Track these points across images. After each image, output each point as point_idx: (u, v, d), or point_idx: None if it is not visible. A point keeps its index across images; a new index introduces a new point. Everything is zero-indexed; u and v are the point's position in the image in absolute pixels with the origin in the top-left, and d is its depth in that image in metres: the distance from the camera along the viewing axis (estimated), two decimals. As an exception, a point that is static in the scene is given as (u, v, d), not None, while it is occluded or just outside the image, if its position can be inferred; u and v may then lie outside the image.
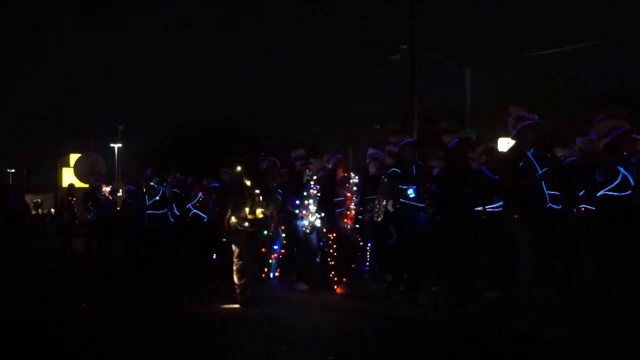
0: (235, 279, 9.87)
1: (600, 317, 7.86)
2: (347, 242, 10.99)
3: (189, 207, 13.94)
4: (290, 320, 9.24)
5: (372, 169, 11.19)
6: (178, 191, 14.62)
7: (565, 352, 7.12)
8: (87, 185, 19.92)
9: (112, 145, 51.71)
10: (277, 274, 12.08)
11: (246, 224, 9.81)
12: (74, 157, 45.86)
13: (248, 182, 9.94)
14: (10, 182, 54.11)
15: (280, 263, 11.99)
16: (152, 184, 14.75)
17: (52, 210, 44.66)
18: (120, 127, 49.78)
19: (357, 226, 11.09)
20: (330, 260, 10.78)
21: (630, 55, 59.31)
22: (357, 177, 11.15)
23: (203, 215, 13.67)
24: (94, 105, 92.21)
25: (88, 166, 21.29)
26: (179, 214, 14.37)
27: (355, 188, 11.09)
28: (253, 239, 9.99)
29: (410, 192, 9.66)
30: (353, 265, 11.24)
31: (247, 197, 9.85)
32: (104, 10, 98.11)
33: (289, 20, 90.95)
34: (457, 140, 9.34)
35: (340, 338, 8.08)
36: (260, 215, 9.97)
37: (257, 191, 9.95)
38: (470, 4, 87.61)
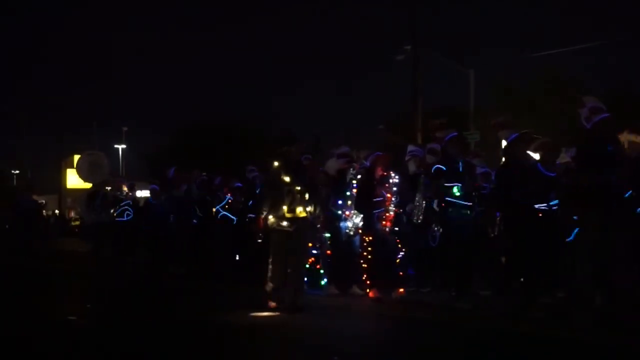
0: (268, 284, 9.09)
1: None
2: (385, 245, 10.22)
3: (218, 209, 13.29)
4: (329, 328, 8.32)
5: (411, 167, 10.56)
6: (202, 192, 13.95)
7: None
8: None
9: (116, 146, 50.94)
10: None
11: (284, 223, 8.90)
12: (78, 158, 45.52)
13: (287, 178, 8.98)
14: (15, 183, 53.69)
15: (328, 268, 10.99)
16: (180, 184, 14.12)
17: (57, 211, 44.12)
18: (125, 129, 49.08)
19: (397, 229, 10.28)
20: (364, 263, 10.11)
21: (632, 55, 58.91)
22: (397, 176, 10.31)
23: (233, 217, 13.11)
24: (96, 106, 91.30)
25: (90, 165, 20.29)
26: (202, 215, 13.72)
27: (395, 188, 10.25)
28: (293, 240, 8.99)
29: (457, 190, 9.04)
30: (392, 270, 10.32)
31: (285, 194, 8.92)
32: (106, 10, 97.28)
33: (290, 20, 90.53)
34: (516, 135, 8.75)
35: (389, 346, 7.44)
36: (302, 214, 9.00)
37: (298, 188, 8.98)
38: (473, 4, 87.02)
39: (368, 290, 10.08)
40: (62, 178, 44.49)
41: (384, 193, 10.15)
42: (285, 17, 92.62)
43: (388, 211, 10.13)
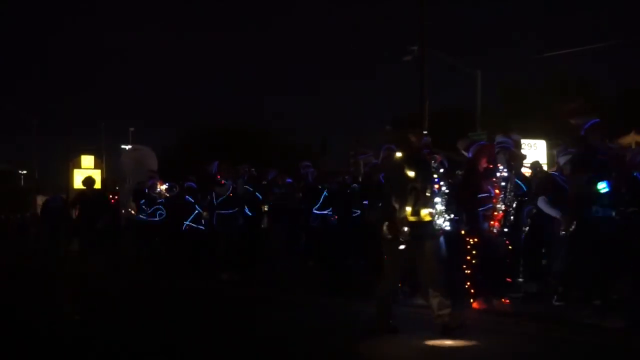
0: (378, 301, 7.32)
1: None
2: (494, 248, 8.62)
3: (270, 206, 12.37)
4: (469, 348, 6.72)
5: (501, 160, 8.96)
6: (251, 188, 12.70)
7: None
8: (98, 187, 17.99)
9: (122, 146, 49.70)
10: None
11: (406, 228, 6.98)
12: (85, 159, 44.64)
13: (411, 173, 7.08)
14: (22, 183, 52.77)
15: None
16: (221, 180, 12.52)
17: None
18: (132, 129, 47.89)
19: (506, 230, 8.69)
20: (468, 269, 8.45)
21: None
22: (505, 169, 8.72)
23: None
24: (103, 106, 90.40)
25: (136, 161, 17.84)
26: (251, 214, 12.46)
27: (503, 183, 8.64)
28: (417, 250, 7.11)
29: (603, 186, 7.46)
30: (500, 277, 8.80)
31: (410, 191, 7.03)
32: (108, 11, 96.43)
33: (294, 21, 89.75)
34: (596, 120, 7.65)
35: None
36: (427, 218, 7.10)
37: (424, 184, 7.07)
38: (481, 5, 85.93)
39: (472, 301, 8.46)
40: (69, 178, 43.26)
41: (490, 188, 8.62)
42: (289, 18, 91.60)
43: (496, 209, 8.58)
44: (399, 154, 7.27)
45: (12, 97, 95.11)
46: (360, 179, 11.28)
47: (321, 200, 11.61)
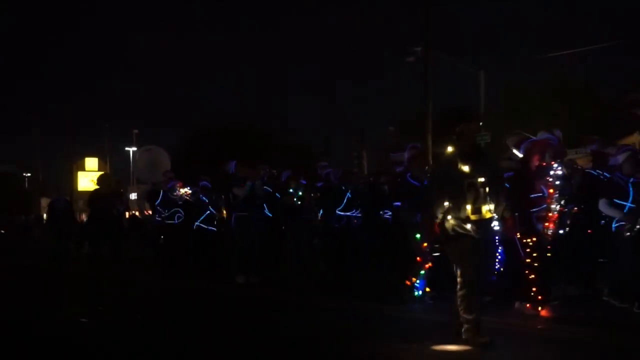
0: (462, 309, 6.45)
1: None
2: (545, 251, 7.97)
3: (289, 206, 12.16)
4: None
5: (545, 157, 8.35)
6: (270, 189, 12.40)
7: None
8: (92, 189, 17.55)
9: (127, 148, 49.44)
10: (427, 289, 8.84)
11: (469, 226, 6.40)
12: (89, 161, 44.44)
13: (466, 168, 6.51)
14: (26, 185, 52.41)
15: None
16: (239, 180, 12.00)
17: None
18: (136, 131, 47.63)
19: (561, 232, 8.22)
20: (531, 274, 7.74)
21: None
22: (560, 167, 8.15)
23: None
24: (107, 108, 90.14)
25: (150, 162, 16.99)
26: (270, 215, 12.14)
27: (558, 182, 8.06)
28: (481, 250, 6.52)
29: None
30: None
31: (467, 188, 6.48)
32: (118, 11, 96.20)
33: (297, 21, 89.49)
34: None
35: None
36: (488, 215, 6.52)
37: (482, 180, 6.47)
38: (483, 6, 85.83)
39: (540, 308, 7.75)
40: (73, 180, 43.03)
41: (543, 188, 8.06)
42: (294, 19, 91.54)
43: (550, 210, 7.98)
44: (450, 149, 6.60)
45: (13, 98, 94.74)
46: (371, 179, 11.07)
47: (345, 201, 11.41)
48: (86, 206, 16.08)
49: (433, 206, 6.52)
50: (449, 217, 6.41)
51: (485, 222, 6.47)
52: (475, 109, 29.66)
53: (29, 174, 55.02)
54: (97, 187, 14.08)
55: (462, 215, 6.38)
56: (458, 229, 6.37)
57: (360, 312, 8.66)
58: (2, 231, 34.74)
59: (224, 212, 13.68)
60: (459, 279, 6.42)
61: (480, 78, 29.77)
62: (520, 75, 36.51)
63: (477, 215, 6.39)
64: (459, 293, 6.41)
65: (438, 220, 6.48)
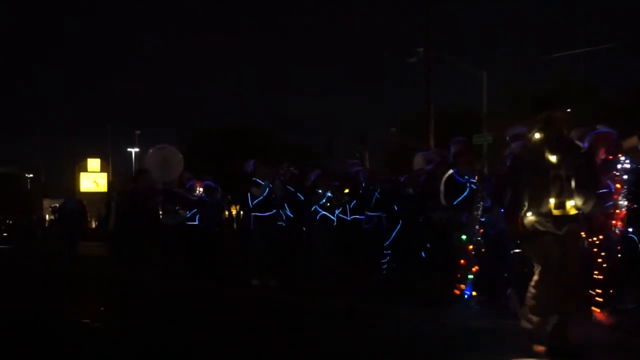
0: (530, 309, 5.87)
1: None
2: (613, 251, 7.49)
3: (316, 208, 11.59)
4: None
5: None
6: (292, 189, 12.05)
7: None
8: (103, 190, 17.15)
9: (129, 149, 49.06)
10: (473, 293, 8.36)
11: (550, 223, 5.82)
12: (91, 161, 44.05)
13: (553, 158, 5.82)
14: (29, 187, 51.90)
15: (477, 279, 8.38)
16: (256, 179, 11.56)
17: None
18: (138, 132, 47.27)
19: (630, 229, 7.64)
20: (599, 274, 7.17)
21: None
22: (627, 160, 7.56)
23: (332, 217, 11.55)
24: (109, 109, 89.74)
25: (163, 161, 15.86)
26: (292, 215, 11.88)
27: (625, 176, 7.50)
28: (563, 248, 5.79)
29: None
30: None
31: (552, 181, 5.78)
32: (113, 12, 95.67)
33: (297, 21, 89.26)
34: None
35: None
36: (573, 211, 5.83)
37: (568, 173, 5.81)
38: (485, 7, 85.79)
39: (599, 311, 7.20)
40: (75, 181, 42.68)
41: (610, 183, 7.55)
42: (296, 20, 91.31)
43: (618, 207, 7.45)
44: (537, 136, 5.87)
45: (15, 99, 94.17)
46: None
47: (373, 202, 11.17)
48: (114, 205, 15.20)
49: (519, 198, 5.83)
50: (529, 213, 5.79)
51: (571, 218, 5.80)
52: (480, 109, 29.78)
53: (31, 175, 54.63)
54: (134, 183, 13.67)
55: (544, 209, 5.75)
56: (539, 226, 5.75)
57: (409, 319, 8.07)
58: (5, 234, 34.49)
59: (226, 212, 13.41)
60: (535, 277, 5.84)
61: (482, 79, 29.76)
62: (524, 76, 36.36)
63: (560, 211, 5.73)
64: (532, 291, 5.83)
65: (522, 214, 5.81)
